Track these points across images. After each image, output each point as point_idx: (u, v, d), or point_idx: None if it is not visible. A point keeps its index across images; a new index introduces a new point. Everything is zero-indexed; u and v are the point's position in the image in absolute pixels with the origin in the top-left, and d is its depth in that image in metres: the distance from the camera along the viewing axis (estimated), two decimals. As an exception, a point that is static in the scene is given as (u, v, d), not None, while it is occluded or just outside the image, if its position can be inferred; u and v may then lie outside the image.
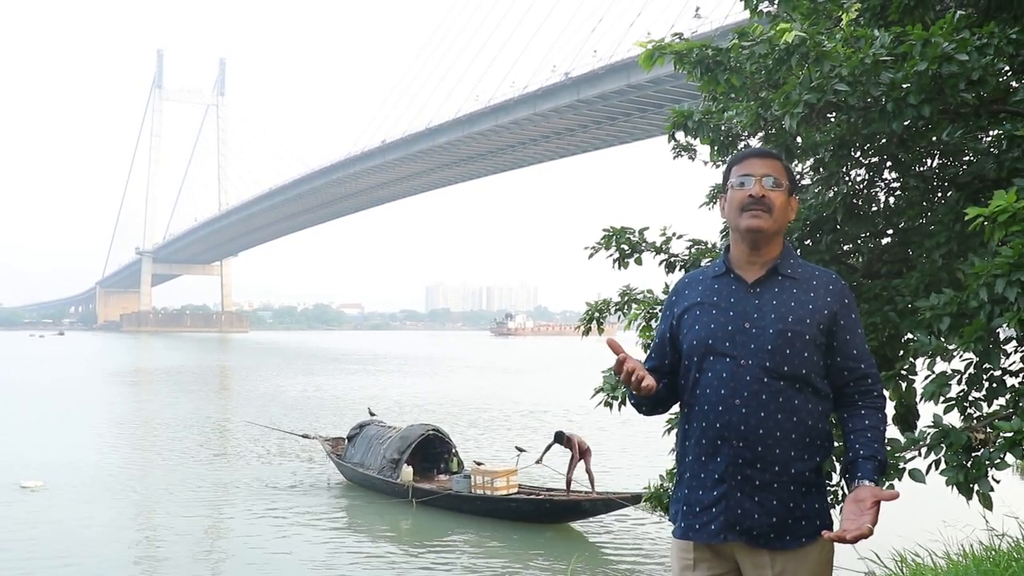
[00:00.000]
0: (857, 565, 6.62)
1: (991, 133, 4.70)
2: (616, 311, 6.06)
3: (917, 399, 4.66)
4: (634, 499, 12.84)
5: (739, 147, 5.67)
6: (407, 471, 14.87)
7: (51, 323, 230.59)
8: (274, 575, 11.00)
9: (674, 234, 5.86)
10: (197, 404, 31.62)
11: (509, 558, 11.74)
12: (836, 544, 2.23)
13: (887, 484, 3.94)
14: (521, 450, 15.37)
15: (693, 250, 5.84)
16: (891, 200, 5.49)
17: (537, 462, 13.72)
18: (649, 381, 2.20)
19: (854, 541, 2.00)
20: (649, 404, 2.39)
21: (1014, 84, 4.56)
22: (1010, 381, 4.11)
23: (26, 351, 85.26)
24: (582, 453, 13.40)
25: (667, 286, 5.83)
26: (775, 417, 2.16)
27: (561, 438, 13.45)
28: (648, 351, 2.51)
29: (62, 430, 24.02)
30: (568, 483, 13.38)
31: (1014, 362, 4.26)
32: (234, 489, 16.15)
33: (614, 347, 2.22)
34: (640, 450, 19.23)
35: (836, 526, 2.12)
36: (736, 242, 2.33)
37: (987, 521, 6.00)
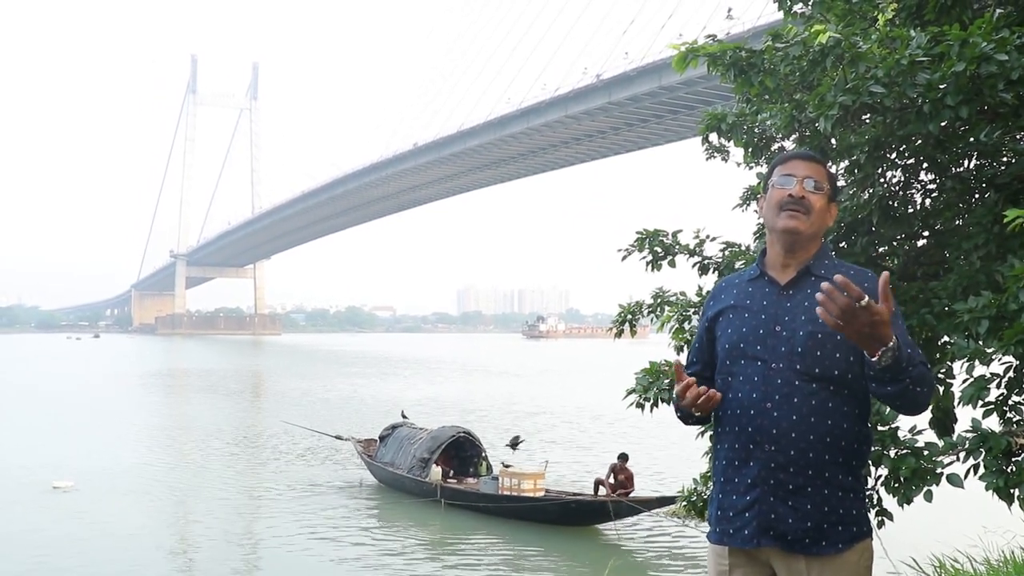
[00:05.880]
0: (896, 572, 6.54)
1: (1031, 134, 4.62)
2: (649, 313, 6.04)
3: (955, 403, 4.60)
4: (663, 502, 12.77)
5: (773, 149, 5.63)
6: (436, 471, 14.93)
7: (87, 326, 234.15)
8: (303, 574, 11.09)
9: (708, 236, 5.83)
10: (230, 406, 31.95)
11: (539, 560, 11.74)
12: (872, 541, 2.23)
13: (924, 491, 3.90)
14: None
15: (727, 253, 5.80)
16: (928, 202, 5.41)
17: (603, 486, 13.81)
18: (713, 393, 2.19)
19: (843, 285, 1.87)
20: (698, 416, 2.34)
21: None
22: (1051, 385, 4.05)
23: (62, 353, 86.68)
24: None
25: (700, 288, 5.81)
26: (808, 420, 2.14)
27: (625, 458, 13.79)
28: (689, 356, 2.50)
29: (95, 431, 24.38)
30: (596, 487, 13.40)
31: (1055, 366, 4.19)
32: (266, 489, 16.31)
33: (680, 372, 2.23)
34: (675, 452, 19.13)
35: (875, 533, 2.08)
36: (771, 243, 2.31)
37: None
